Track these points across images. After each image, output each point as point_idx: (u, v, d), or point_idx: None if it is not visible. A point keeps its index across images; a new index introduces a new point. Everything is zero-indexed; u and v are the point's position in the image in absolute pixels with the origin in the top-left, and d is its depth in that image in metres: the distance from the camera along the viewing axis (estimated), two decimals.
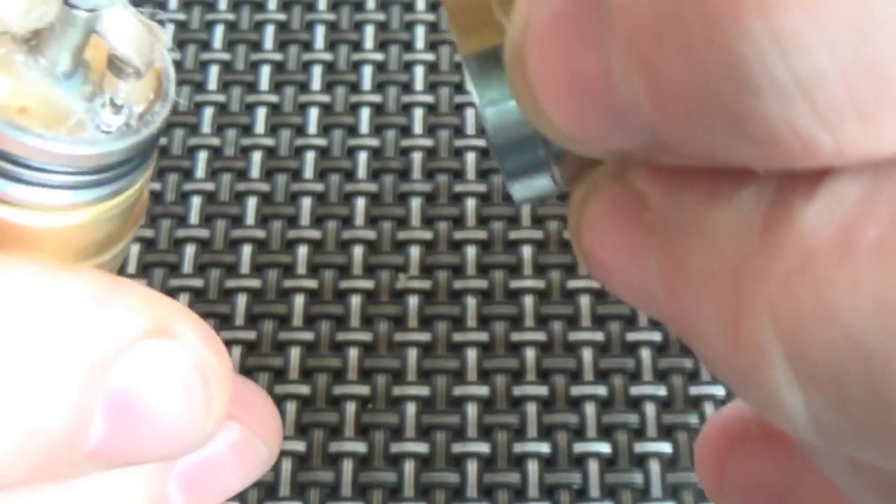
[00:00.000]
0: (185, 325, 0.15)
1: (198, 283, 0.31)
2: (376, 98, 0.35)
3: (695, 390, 0.30)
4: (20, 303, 0.13)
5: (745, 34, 0.09)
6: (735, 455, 0.17)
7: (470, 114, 0.34)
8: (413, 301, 0.31)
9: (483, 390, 0.30)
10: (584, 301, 0.31)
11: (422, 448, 0.29)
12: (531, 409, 0.29)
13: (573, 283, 0.31)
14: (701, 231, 0.11)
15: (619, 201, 0.13)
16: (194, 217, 0.33)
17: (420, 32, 0.36)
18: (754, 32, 0.09)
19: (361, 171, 0.33)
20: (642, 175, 0.12)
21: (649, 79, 0.10)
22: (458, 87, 0.35)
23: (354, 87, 0.35)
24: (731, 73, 0.09)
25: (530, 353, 0.30)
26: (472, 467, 0.29)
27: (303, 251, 0.32)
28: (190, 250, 0.32)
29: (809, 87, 0.09)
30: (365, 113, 0.34)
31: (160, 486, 0.16)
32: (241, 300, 0.31)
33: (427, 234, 0.32)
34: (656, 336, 0.31)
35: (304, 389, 0.30)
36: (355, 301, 0.31)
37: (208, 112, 0.34)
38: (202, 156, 0.34)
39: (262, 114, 0.34)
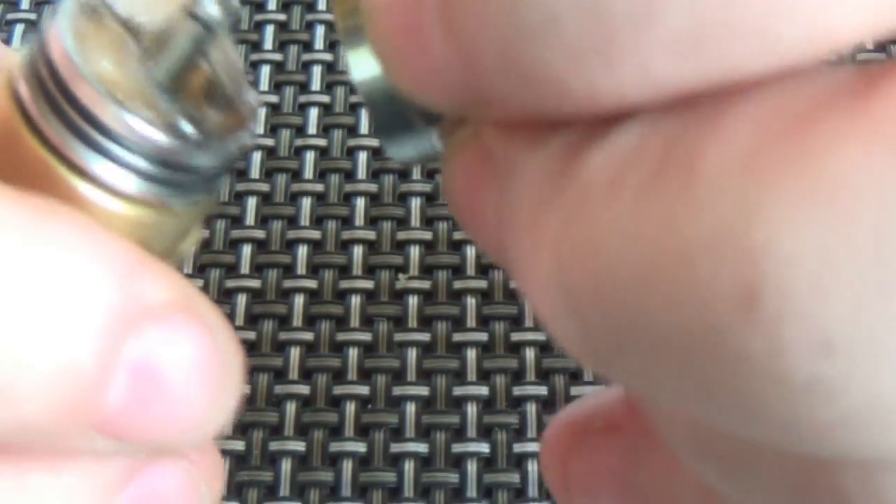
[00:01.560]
0: (211, 312, 0.15)
1: (198, 283, 0.31)
2: None
3: None
4: (65, 243, 0.13)
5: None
6: (579, 448, 0.18)
7: None
8: (413, 301, 0.31)
9: (483, 390, 0.30)
10: None
11: (422, 448, 0.29)
12: (531, 408, 0.29)
13: None
14: (518, 175, 0.12)
15: (475, 155, 0.14)
16: None
17: None
18: None
19: (361, 171, 0.33)
20: (490, 130, 0.13)
21: (450, 38, 0.11)
22: None
23: (354, 88, 0.35)
24: (496, 26, 0.11)
25: (530, 353, 0.30)
26: (472, 467, 0.29)
27: (303, 251, 0.32)
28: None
29: (550, 30, 0.10)
30: (364, 113, 0.34)
31: None
32: (241, 300, 0.31)
33: (427, 234, 0.32)
34: None
35: (304, 389, 0.30)
36: (355, 301, 0.31)
37: None
38: None
39: (262, 114, 0.34)
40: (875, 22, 0.09)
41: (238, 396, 0.15)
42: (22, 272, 0.13)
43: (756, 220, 0.09)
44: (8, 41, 0.36)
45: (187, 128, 0.15)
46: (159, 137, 0.15)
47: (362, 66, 0.15)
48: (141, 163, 0.15)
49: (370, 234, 0.32)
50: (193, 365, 0.14)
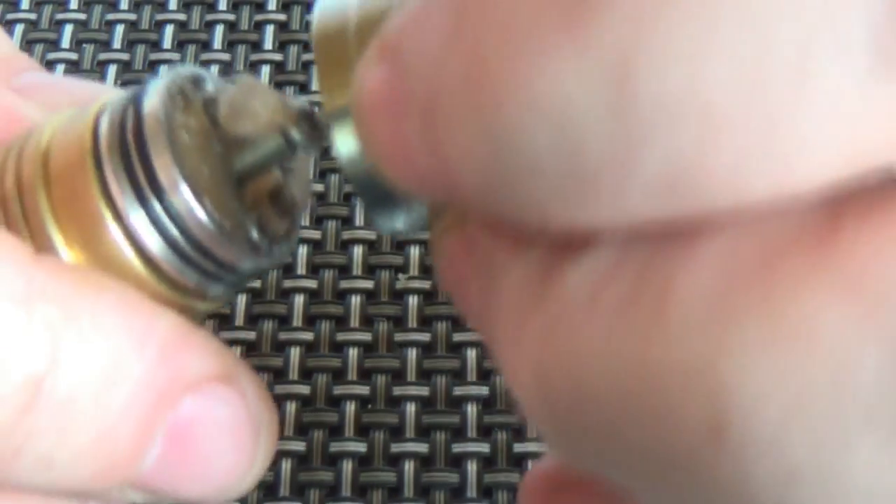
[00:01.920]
0: (247, 379, 0.16)
1: None
2: None
3: None
4: (114, 320, 0.14)
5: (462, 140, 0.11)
6: (556, 502, 0.18)
7: None
8: (413, 301, 0.31)
9: (483, 390, 0.30)
10: None
11: (422, 448, 0.29)
12: None
13: None
14: (501, 276, 0.13)
15: (461, 240, 0.14)
16: None
17: None
18: (471, 144, 0.11)
19: None
20: (475, 223, 0.14)
21: (432, 156, 0.12)
22: None
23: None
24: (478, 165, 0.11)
25: None
26: (472, 467, 0.29)
27: (303, 251, 0.32)
28: None
29: (532, 173, 0.10)
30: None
31: None
32: (242, 300, 0.31)
33: (427, 234, 0.32)
34: None
35: (304, 389, 0.30)
36: (355, 301, 0.31)
37: None
38: None
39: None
40: (846, 169, 0.09)
41: (270, 456, 0.16)
42: (64, 350, 0.14)
43: (723, 361, 0.10)
44: None
45: (250, 231, 0.16)
46: (219, 235, 0.15)
47: (348, 143, 0.15)
48: (190, 250, 0.15)
49: (370, 234, 0.32)
50: (225, 429, 0.15)
